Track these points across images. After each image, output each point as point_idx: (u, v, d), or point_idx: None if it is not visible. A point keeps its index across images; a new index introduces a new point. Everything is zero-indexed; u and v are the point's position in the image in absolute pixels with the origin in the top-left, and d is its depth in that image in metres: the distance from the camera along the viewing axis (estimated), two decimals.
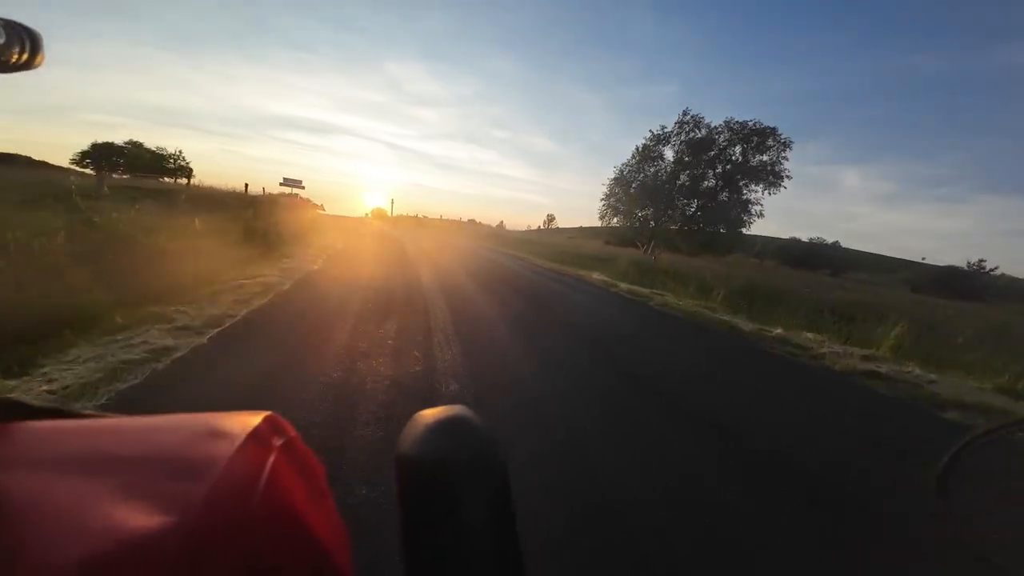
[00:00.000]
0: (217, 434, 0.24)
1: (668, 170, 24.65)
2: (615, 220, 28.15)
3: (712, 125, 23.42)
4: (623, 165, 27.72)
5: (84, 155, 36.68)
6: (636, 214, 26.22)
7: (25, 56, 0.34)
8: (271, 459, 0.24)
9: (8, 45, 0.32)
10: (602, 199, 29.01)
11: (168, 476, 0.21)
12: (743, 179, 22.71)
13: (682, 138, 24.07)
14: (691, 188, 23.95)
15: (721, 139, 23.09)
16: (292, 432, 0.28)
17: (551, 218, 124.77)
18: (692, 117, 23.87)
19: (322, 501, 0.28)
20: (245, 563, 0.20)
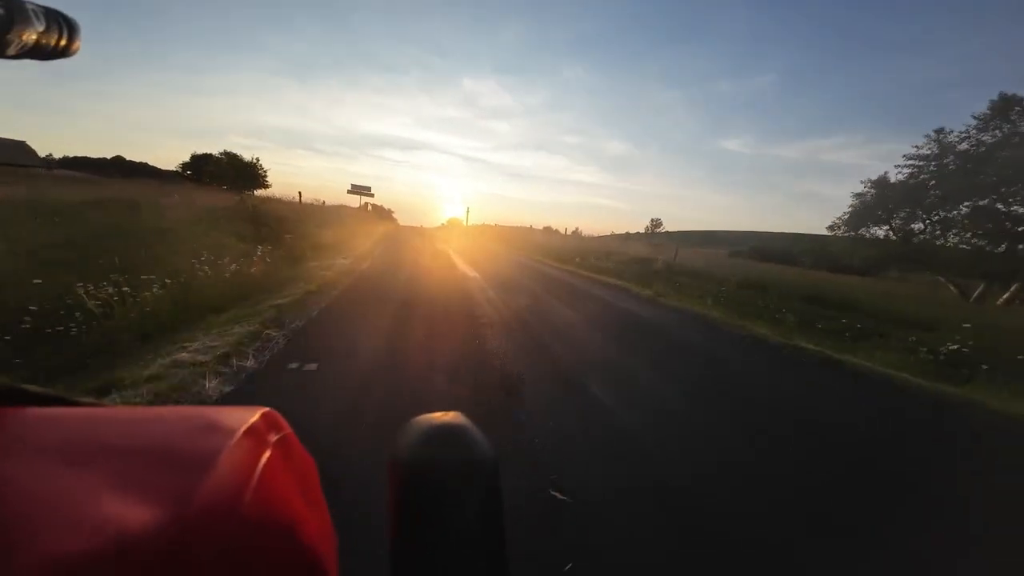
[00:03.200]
0: (214, 428, 0.24)
1: None
2: (880, 230, 17.96)
3: None
4: (943, 136, 16.68)
5: (186, 166, 40.94)
6: (977, 217, 14.73)
7: (63, 42, 0.35)
8: (266, 455, 0.24)
9: (47, 31, 0.33)
10: (857, 193, 19.11)
11: (163, 469, 0.21)
12: None
13: None
14: None
15: None
16: (287, 429, 0.28)
17: (656, 223, 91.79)
18: None
19: (313, 500, 0.28)
20: (234, 558, 0.20)
